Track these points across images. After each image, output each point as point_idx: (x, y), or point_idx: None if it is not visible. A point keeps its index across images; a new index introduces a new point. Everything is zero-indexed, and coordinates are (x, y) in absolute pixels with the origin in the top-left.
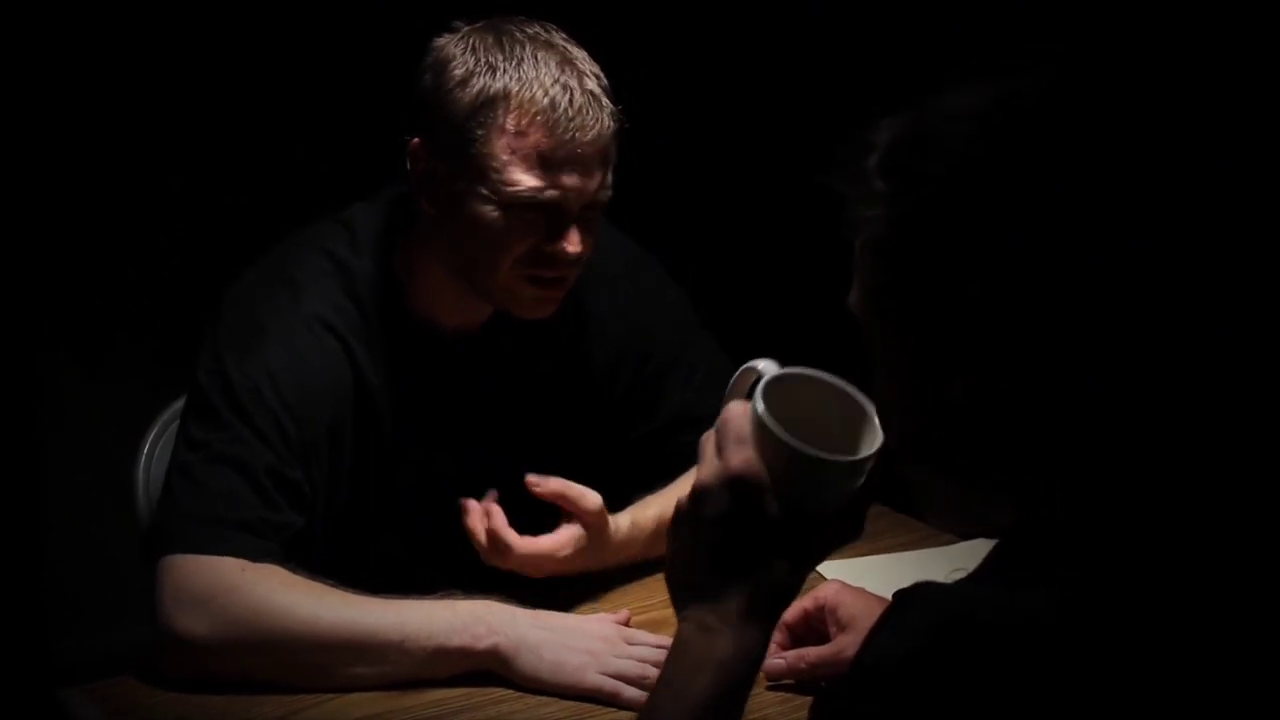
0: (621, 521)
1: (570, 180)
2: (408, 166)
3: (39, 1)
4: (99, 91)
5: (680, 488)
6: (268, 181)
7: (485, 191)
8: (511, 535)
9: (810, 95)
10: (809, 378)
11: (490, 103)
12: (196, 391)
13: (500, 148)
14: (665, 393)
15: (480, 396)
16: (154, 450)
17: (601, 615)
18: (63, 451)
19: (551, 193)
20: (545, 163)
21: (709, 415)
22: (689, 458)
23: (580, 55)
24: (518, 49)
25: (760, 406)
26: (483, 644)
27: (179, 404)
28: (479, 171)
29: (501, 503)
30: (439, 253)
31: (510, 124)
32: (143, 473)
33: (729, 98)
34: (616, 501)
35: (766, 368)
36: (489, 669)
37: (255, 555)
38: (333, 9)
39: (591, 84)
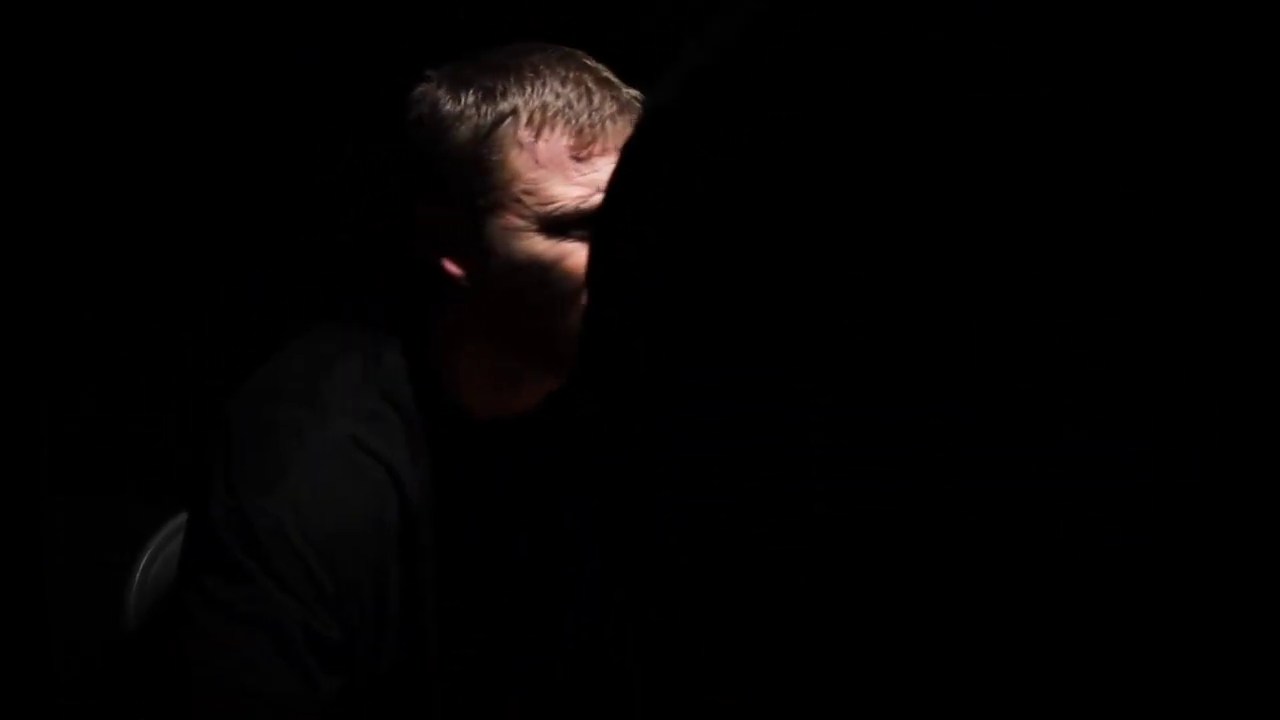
0: None
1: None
2: (418, 238)
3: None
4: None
5: None
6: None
7: (521, 221)
8: None
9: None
10: None
11: (499, 122)
12: (209, 534)
13: (525, 165)
14: None
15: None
16: (146, 577)
17: None
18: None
19: (598, 196)
20: (580, 165)
21: None
22: None
23: (575, 50)
24: (506, 62)
25: None
26: None
27: (173, 524)
28: (508, 201)
29: None
30: (478, 325)
31: (527, 136)
32: (135, 599)
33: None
34: None
35: None
36: None
37: None
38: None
39: (602, 70)
